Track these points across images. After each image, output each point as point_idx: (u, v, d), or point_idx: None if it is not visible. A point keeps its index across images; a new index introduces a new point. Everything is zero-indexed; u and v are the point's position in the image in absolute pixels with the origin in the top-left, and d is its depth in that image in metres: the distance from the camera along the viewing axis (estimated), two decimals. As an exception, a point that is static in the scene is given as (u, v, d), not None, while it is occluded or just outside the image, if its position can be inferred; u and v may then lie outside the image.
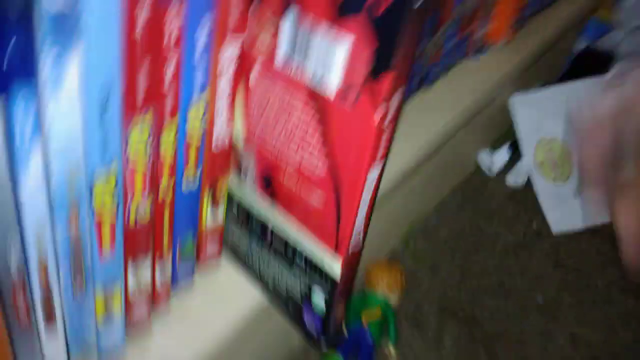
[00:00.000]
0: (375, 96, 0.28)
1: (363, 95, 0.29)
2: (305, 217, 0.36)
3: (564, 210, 0.68)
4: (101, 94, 0.27)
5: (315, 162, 0.33)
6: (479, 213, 0.69)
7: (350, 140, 0.30)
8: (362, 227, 0.34)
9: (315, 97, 0.31)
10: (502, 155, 0.74)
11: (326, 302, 0.37)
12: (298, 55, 0.31)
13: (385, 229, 0.62)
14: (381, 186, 0.53)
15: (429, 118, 0.60)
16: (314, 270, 0.37)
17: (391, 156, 0.55)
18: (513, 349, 0.55)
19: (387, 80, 0.27)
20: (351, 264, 0.36)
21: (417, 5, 0.25)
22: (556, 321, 0.57)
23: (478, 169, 0.75)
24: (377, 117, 0.29)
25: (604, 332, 0.57)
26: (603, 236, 0.67)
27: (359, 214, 0.33)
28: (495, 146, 0.76)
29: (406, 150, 0.56)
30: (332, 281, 0.36)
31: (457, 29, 0.61)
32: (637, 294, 0.61)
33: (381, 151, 0.31)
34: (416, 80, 0.60)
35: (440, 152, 0.62)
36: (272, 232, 0.39)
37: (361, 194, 0.32)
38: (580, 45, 0.84)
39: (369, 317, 0.54)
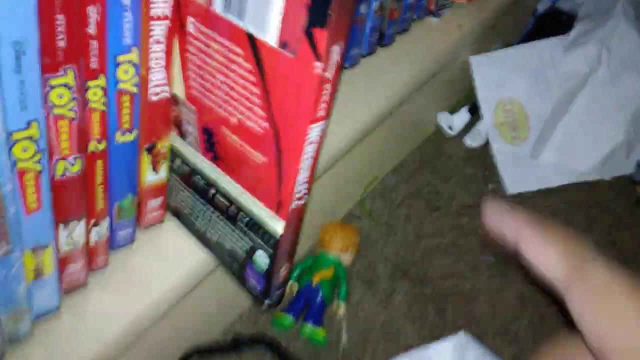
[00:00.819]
0: (312, 51, 0.27)
1: (301, 49, 0.27)
2: (247, 174, 0.35)
3: (520, 172, 0.69)
4: (13, 52, 0.24)
5: (256, 118, 0.32)
6: (436, 174, 0.69)
7: (290, 95, 0.29)
8: (306, 185, 0.33)
9: (255, 48, 0.30)
10: (462, 117, 0.73)
11: (269, 261, 0.36)
12: (235, 8, 0.29)
13: (342, 191, 0.62)
14: (337, 146, 0.52)
15: (389, 76, 0.59)
16: (257, 228, 0.36)
17: (348, 115, 0.54)
18: (462, 306, 0.56)
19: (323, 36, 0.26)
20: (294, 222, 0.35)
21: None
22: (505, 279, 0.59)
23: (438, 130, 0.74)
24: (315, 72, 0.27)
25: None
26: (556, 198, 0.68)
27: (300, 172, 0.32)
28: (456, 107, 0.75)
29: (363, 109, 0.55)
30: (275, 241, 0.35)
31: (418, -16, 0.60)
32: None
33: (322, 107, 0.29)
34: (374, 36, 0.58)
35: (399, 112, 0.62)
36: (215, 190, 0.38)
37: (302, 152, 0.31)
38: (543, 5, 0.83)
39: (321, 276, 0.54)
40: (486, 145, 0.72)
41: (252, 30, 0.29)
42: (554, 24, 0.78)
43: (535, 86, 0.70)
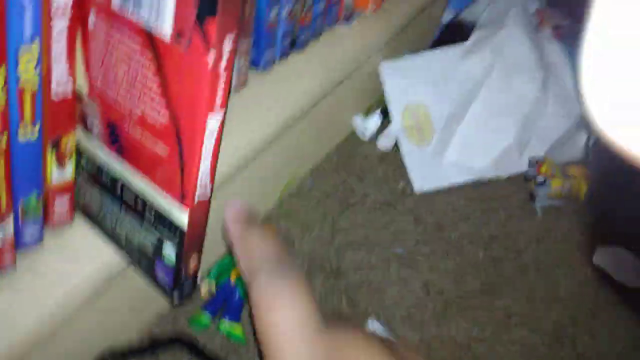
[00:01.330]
0: (204, 41, 0.28)
1: (194, 39, 0.29)
2: (151, 168, 0.36)
3: (426, 171, 0.73)
4: None
5: (157, 110, 0.33)
6: (351, 174, 0.72)
7: (187, 86, 0.31)
8: (208, 176, 0.35)
9: (152, 41, 0.31)
10: (374, 120, 0.77)
11: (176, 253, 0.37)
12: (131, 2, 0.31)
13: (259, 192, 0.63)
14: (251, 147, 0.54)
15: (300, 81, 0.61)
16: (163, 222, 0.37)
17: (261, 117, 0.56)
18: (373, 296, 0.59)
19: (213, 25, 0.28)
20: (199, 214, 0.36)
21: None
22: (413, 270, 0.62)
23: (353, 133, 0.78)
24: (209, 62, 0.29)
25: (455, 280, 0.63)
26: (458, 194, 0.73)
27: (202, 163, 0.33)
28: (368, 111, 0.79)
29: (276, 111, 0.57)
30: (181, 232, 0.36)
31: (325, -8, 0.63)
32: (485, 246, 0.68)
33: (219, 97, 0.31)
34: (286, 41, 0.61)
35: (314, 115, 0.64)
36: (121, 186, 0.39)
37: (202, 142, 0.32)
38: (448, 16, 0.89)
39: (238, 274, 0.55)
40: (397, 146, 0.76)
41: (147, 21, 0.30)
42: (457, 34, 0.84)
43: (438, 91, 0.75)
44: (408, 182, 0.72)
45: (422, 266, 0.63)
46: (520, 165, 0.76)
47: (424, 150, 0.75)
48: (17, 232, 0.38)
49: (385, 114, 0.78)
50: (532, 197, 0.74)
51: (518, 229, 0.71)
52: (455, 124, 0.74)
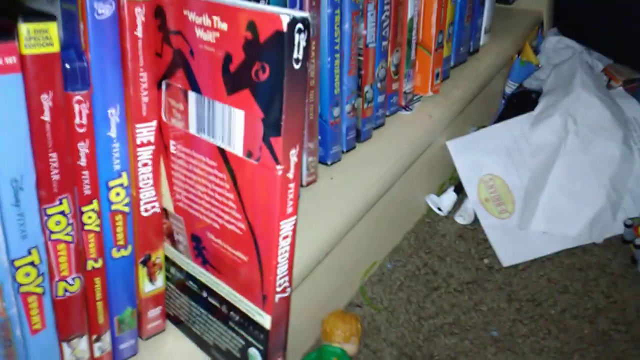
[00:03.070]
0: (272, 157, 0.31)
1: (263, 156, 0.31)
2: (233, 274, 0.37)
3: (512, 244, 0.70)
4: (12, 189, 0.29)
5: (234, 219, 0.35)
6: (432, 254, 0.71)
7: (260, 198, 0.33)
8: (287, 277, 0.36)
9: (226, 159, 0.34)
10: (449, 197, 0.77)
11: (261, 353, 0.38)
12: (206, 128, 0.34)
13: (340, 281, 0.64)
14: (328, 239, 0.55)
15: (369, 169, 0.63)
16: (247, 326, 0.38)
17: (334, 209, 0.58)
18: (471, 386, 0.55)
19: (279, 143, 0.30)
20: (280, 315, 0.37)
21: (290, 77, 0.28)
22: (512, 353, 0.58)
23: (430, 211, 0.77)
24: (278, 174, 0.31)
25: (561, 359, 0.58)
26: (551, 265, 0.69)
27: (279, 266, 0.35)
28: (442, 189, 0.79)
29: (348, 201, 0.59)
30: (265, 333, 0.37)
31: (384, 85, 0.66)
32: (591, 319, 0.62)
33: (290, 205, 0.33)
34: (351, 135, 0.63)
35: (387, 200, 0.65)
36: (207, 292, 0.40)
37: (277, 246, 0.34)
38: (509, 87, 0.89)
39: (326, 369, 0.54)
40: (477, 221, 0.74)
41: (221, 144, 0.33)
42: (523, 103, 0.83)
43: (511, 161, 0.74)
44: (494, 258, 0.70)
45: (522, 348, 0.59)
46: (615, 229, 0.71)
47: (507, 222, 0.72)
48: (114, 345, 0.41)
49: (459, 189, 0.77)
50: (633, 261, 0.68)
51: (624, 297, 0.65)
52: (537, 192, 0.72)
